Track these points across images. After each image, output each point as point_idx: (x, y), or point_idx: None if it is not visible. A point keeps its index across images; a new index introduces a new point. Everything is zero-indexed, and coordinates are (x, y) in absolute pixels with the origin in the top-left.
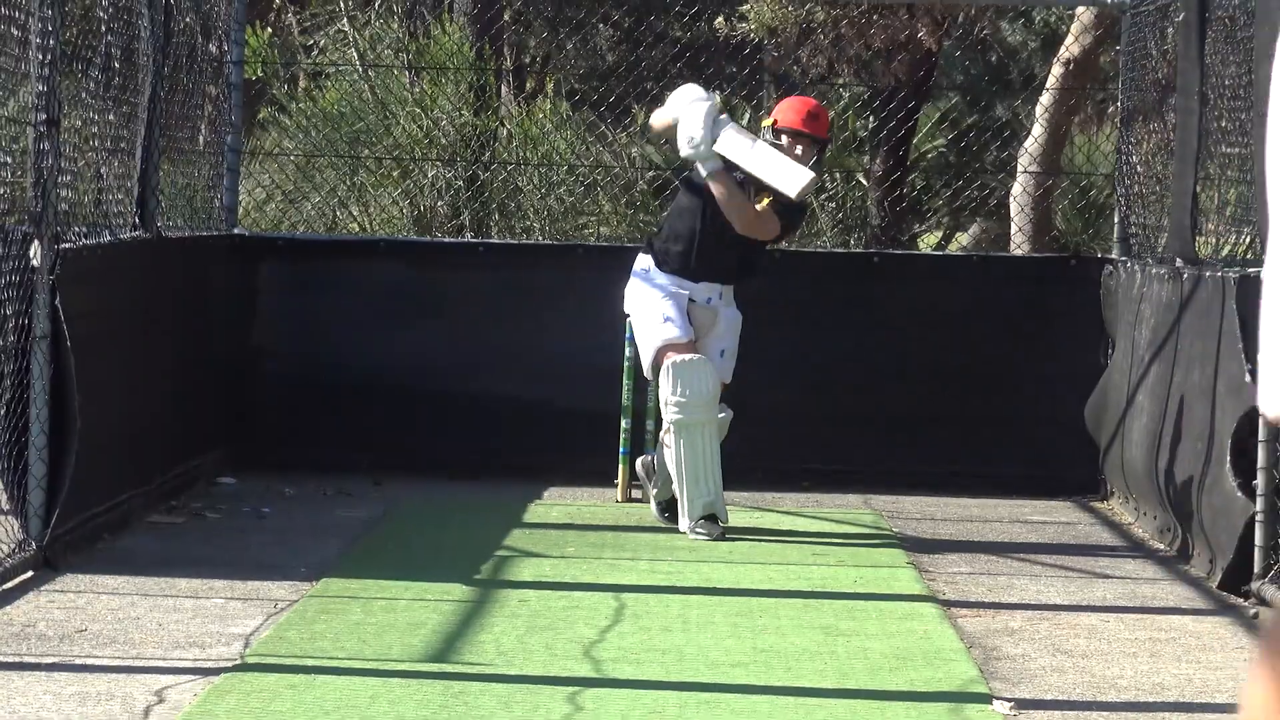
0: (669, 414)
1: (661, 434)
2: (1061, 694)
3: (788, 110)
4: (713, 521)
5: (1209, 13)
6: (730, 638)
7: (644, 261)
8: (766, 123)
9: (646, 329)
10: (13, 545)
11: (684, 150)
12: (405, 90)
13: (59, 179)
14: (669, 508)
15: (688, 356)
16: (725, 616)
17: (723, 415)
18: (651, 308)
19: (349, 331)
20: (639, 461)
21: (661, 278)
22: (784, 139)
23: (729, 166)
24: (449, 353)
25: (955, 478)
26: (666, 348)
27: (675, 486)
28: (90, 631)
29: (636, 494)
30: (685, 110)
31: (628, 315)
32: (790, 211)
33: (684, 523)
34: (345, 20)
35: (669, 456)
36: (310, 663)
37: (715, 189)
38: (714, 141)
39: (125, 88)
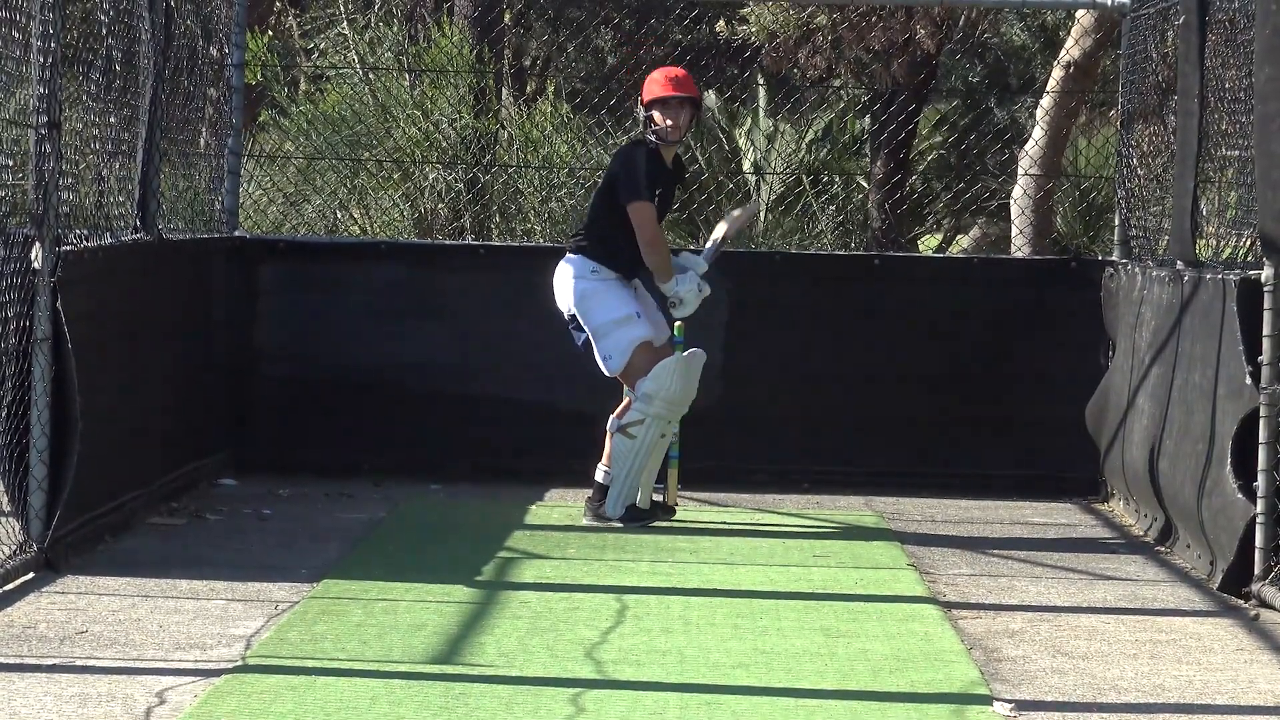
0: (658, 406)
1: (627, 424)
2: (1062, 695)
3: (651, 86)
4: (638, 515)
5: (1209, 16)
6: (731, 639)
7: (587, 264)
8: (641, 111)
9: (620, 326)
10: (14, 547)
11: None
12: (405, 93)
13: (60, 181)
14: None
15: (697, 355)
16: (726, 618)
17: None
18: (623, 305)
19: (350, 334)
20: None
21: (612, 274)
22: (655, 113)
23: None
24: (450, 355)
25: (956, 479)
26: (646, 343)
27: (622, 470)
28: (91, 633)
29: (657, 496)
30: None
31: (573, 314)
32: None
33: (616, 508)
34: (345, 23)
35: (628, 446)
36: (311, 664)
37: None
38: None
39: (126, 90)
